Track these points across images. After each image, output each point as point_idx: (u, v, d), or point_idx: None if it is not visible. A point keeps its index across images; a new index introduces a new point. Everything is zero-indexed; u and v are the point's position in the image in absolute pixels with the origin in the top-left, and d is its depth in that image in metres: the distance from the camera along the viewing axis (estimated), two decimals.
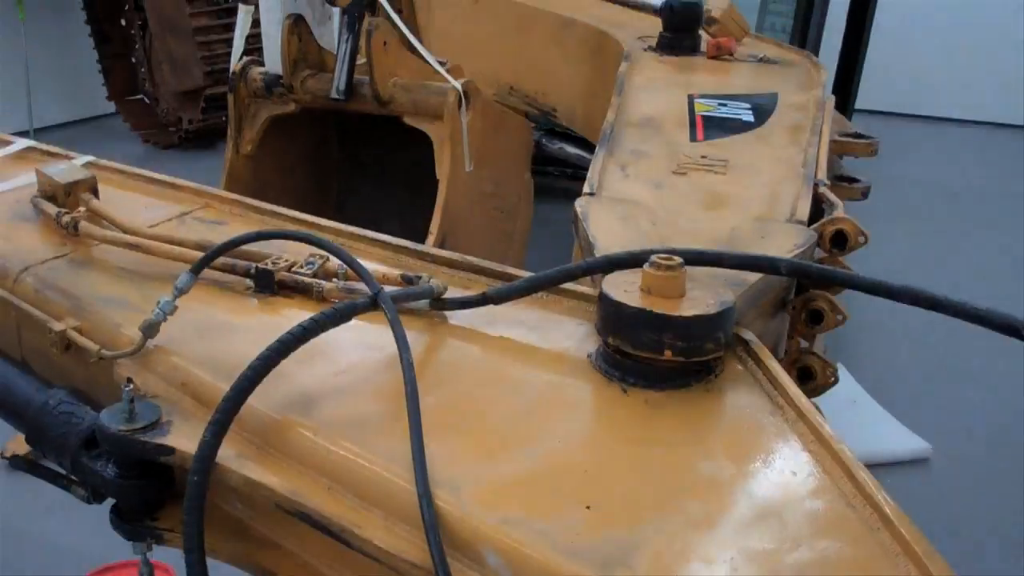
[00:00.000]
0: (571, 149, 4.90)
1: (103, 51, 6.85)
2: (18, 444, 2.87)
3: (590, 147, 4.54)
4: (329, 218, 4.19)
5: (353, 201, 4.18)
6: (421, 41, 3.64)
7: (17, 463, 1.84)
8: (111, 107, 7.02)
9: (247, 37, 3.75)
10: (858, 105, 6.07)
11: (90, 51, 6.89)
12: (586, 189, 2.01)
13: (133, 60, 6.94)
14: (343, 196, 4.20)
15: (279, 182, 3.88)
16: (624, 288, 1.42)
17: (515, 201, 4.01)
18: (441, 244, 3.43)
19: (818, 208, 2.09)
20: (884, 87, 7.44)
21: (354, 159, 4.15)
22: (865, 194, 2.87)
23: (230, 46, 6.29)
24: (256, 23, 3.68)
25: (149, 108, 6.96)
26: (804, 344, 1.95)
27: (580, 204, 1.91)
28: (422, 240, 3.41)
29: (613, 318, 1.40)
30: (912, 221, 5.93)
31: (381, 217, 4.07)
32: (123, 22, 6.89)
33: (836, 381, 1.91)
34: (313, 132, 3.98)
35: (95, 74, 6.90)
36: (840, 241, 1.86)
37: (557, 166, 5.30)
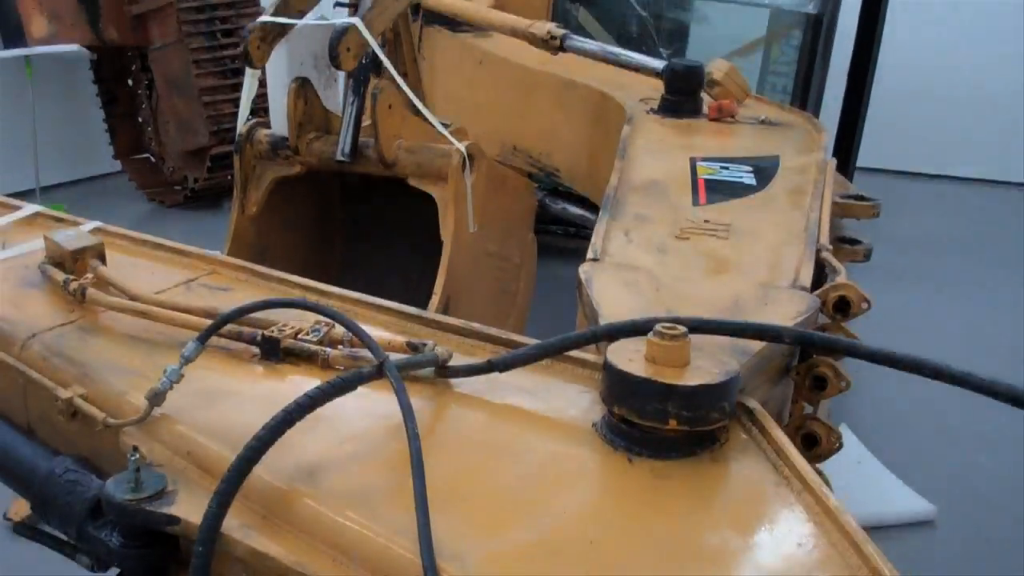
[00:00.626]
0: (574, 209, 4.93)
1: (110, 111, 6.92)
2: (21, 506, 2.87)
3: (593, 207, 4.58)
4: (333, 277, 4.20)
5: (357, 261, 4.20)
6: (425, 102, 3.68)
7: (20, 530, 1.84)
8: (117, 166, 7.07)
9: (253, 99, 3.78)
10: (859, 163, 6.11)
11: (96, 110, 6.96)
12: (590, 255, 2.03)
13: (139, 119, 7.01)
14: (347, 255, 4.22)
15: (283, 242, 3.90)
16: (629, 357, 1.43)
17: (518, 261, 4.03)
18: (445, 304, 3.44)
19: (821, 272, 2.10)
20: (885, 145, 7.48)
21: (358, 219, 4.17)
22: (867, 256, 2.89)
23: (236, 106, 6.38)
24: (262, 84, 3.72)
25: (155, 167, 7.02)
26: (808, 409, 1.96)
27: (584, 270, 1.92)
28: (426, 300, 3.43)
29: (618, 387, 1.41)
30: (914, 279, 5.94)
31: (385, 276, 4.08)
32: (130, 82, 6.97)
33: (840, 447, 1.91)
34: (318, 192, 4.01)
35: (101, 133, 6.97)
36: (843, 307, 1.87)
37: (560, 225, 5.33)
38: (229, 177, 6.53)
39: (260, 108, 3.66)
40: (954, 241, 6.79)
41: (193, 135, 6.55)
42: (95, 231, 2.16)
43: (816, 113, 4.61)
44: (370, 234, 4.18)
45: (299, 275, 4.01)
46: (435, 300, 3.41)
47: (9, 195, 6.35)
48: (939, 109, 7.85)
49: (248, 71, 3.52)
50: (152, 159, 7.05)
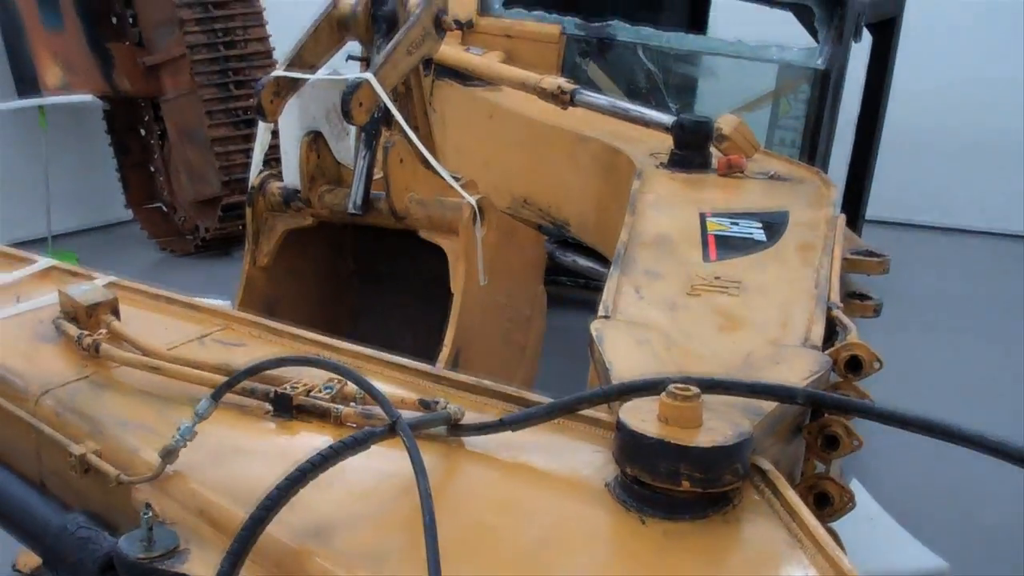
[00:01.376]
0: (584, 262, 4.94)
1: (122, 160, 6.97)
2: (29, 558, 2.86)
3: (603, 259, 4.60)
4: (343, 328, 4.22)
5: (367, 312, 4.21)
6: (436, 154, 3.71)
7: None
8: (129, 214, 7.12)
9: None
10: (868, 215, 6.12)
11: (109, 159, 7.01)
12: (601, 311, 2.03)
13: (152, 169, 7.06)
14: (358, 306, 4.23)
15: (294, 293, 3.92)
16: (641, 417, 1.43)
17: (528, 313, 4.04)
18: (455, 356, 3.45)
19: (832, 329, 2.10)
20: (894, 197, 7.50)
21: (369, 270, 4.19)
22: (877, 311, 2.89)
23: (247, 156, 6.43)
24: (275, 136, 3.74)
25: (166, 216, 7.06)
26: (820, 467, 1.95)
27: (595, 327, 1.93)
28: (436, 351, 3.44)
29: (631, 448, 1.41)
30: (923, 332, 5.94)
31: (395, 328, 4.09)
32: (143, 132, 7.02)
33: (853, 506, 1.91)
34: (329, 244, 4.03)
35: (114, 182, 7.02)
36: (855, 366, 1.86)
37: (570, 276, 5.34)
38: (240, 226, 6.57)
39: (272, 158, 3.69)
40: (963, 293, 6.78)
41: (205, 184, 6.60)
42: (109, 285, 2.17)
43: (825, 167, 4.63)
44: (381, 285, 4.20)
45: (310, 326, 4.01)
46: (445, 352, 3.41)
47: (21, 243, 6.42)
48: (945, 161, 7.88)
49: (261, 124, 3.55)
50: (164, 208, 7.09)
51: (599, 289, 4.57)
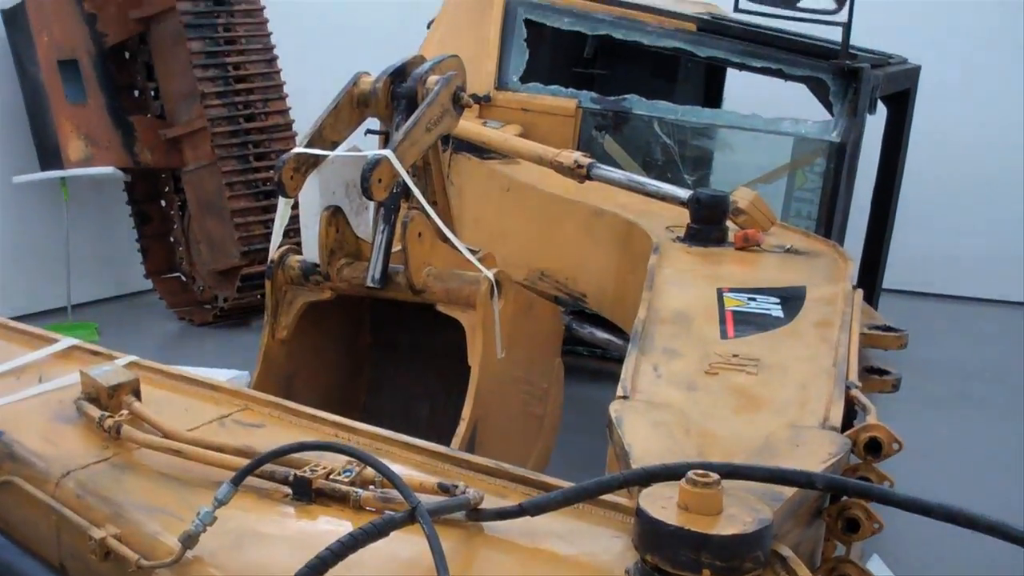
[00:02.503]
0: (601, 334, 4.95)
1: (142, 230, 7.03)
2: None
3: (620, 332, 4.61)
4: (360, 401, 4.22)
5: (385, 384, 4.21)
6: (454, 227, 3.73)
7: None
8: (148, 284, 7.16)
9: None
10: (885, 284, 6.12)
11: (129, 230, 7.08)
12: (620, 392, 2.04)
13: (171, 239, 7.12)
14: (375, 378, 4.23)
15: (312, 365, 3.92)
16: (662, 504, 1.43)
17: (546, 386, 4.03)
18: (473, 430, 3.45)
19: (851, 409, 2.10)
20: (911, 266, 7.50)
21: (386, 343, 4.20)
22: (896, 387, 2.89)
23: (266, 227, 6.49)
24: (294, 207, 3.78)
25: (185, 286, 7.10)
26: (840, 550, 1.94)
27: (614, 409, 1.93)
28: (453, 424, 3.43)
29: (651, 535, 1.41)
30: (945, 405, 5.89)
31: (412, 400, 4.10)
32: (163, 202, 7.10)
33: None
34: (347, 316, 4.04)
35: (133, 252, 7.07)
36: (874, 448, 1.86)
37: (587, 347, 5.34)
38: (258, 296, 6.63)
39: (291, 228, 3.72)
40: (983, 365, 6.73)
41: (224, 255, 6.64)
42: (130, 365, 2.19)
43: (841, 239, 4.65)
44: (398, 357, 4.20)
45: (327, 398, 4.04)
46: (463, 427, 3.41)
47: (42, 312, 6.46)
48: (961, 231, 7.87)
49: (281, 200, 3.58)
50: (183, 278, 7.14)
51: (616, 360, 4.59)
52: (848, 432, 1.88)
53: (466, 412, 3.44)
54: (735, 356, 2.29)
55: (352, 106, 3.54)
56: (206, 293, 6.96)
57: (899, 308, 6.63)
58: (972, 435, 5.63)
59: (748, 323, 2.57)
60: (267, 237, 6.43)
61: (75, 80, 6.49)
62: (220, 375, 5.49)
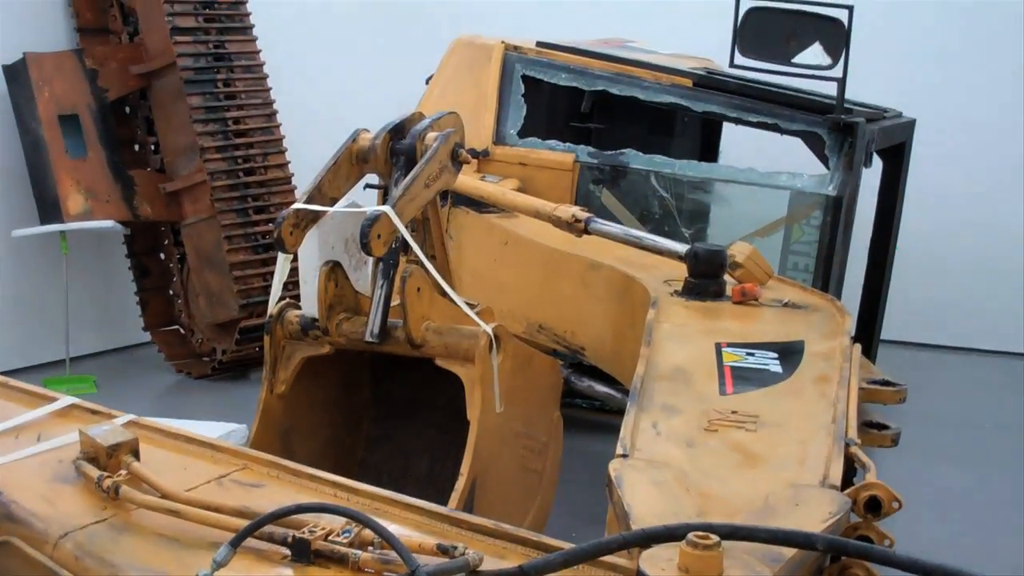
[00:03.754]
0: (600, 387, 4.94)
1: (141, 283, 7.04)
2: None
3: (619, 385, 4.60)
4: (358, 455, 4.20)
5: (383, 438, 4.21)
6: (452, 281, 3.75)
7: None
8: (146, 337, 7.16)
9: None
10: (883, 335, 6.12)
11: (128, 282, 7.09)
12: (619, 450, 2.04)
13: (170, 292, 7.13)
14: (373, 432, 4.23)
15: (310, 421, 3.92)
16: (662, 566, 1.43)
17: (545, 440, 4.02)
18: (472, 486, 3.43)
19: (850, 466, 2.10)
20: (908, 317, 7.51)
21: (385, 397, 4.19)
22: (895, 441, 2.88)
23: (265, 279, 6.50)
24: (293, 259, 3.79)
25: (184, 339, 7.10)
26: None
27: (614, 468, 1.93)
28: (452, 478, 3.42)
29: None
30: (945, 458, 5.86)
31: (411, 455, 4.09)
32: (162, 255, 7.11)
33: None
34: (345, 370, 4.04)
35: (132, 305, 7.08)
36: (874, 507, 1.86)
37: (585, 399, 5.33)
38: (256, 349, 6.62)
39: (291, 281, 3.73)
40: (984, 417, 6.71)
41: (223, 308, 6.64)
42: (129, 424, 2.19)
43: (838, 292, 4.66)
44: (396, 411, 4.20)
45: (325, 454, 4.02)
46: (462, 482, 3.40)
47: (41, 365, 6.45)
48: (959, 280, 7.88)
49: (280, 255, 3.59)
50: (181, 331, 7.14)
51: (614, 412, 4.57)
52: (848, 491, 1.88)
53: (465, 467, 3.42)
54: (734, 412, 2.30)
55: (351, 162, 3.56)
56: (204, 346, 6.95)
57: (897, 359, 6.63)
58: (973, 488, 5.61)
59: (747, 379, 2.57)
60: (265, 290, 6.46)
61: (76, 135, 6.53)
62: (218, 428, 5.50)
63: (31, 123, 6.44)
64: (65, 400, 2.34)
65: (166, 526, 1.80)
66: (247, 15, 6.69)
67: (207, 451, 2.14)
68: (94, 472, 1.92)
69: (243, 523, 1.64)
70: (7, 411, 2.31)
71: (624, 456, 2.01)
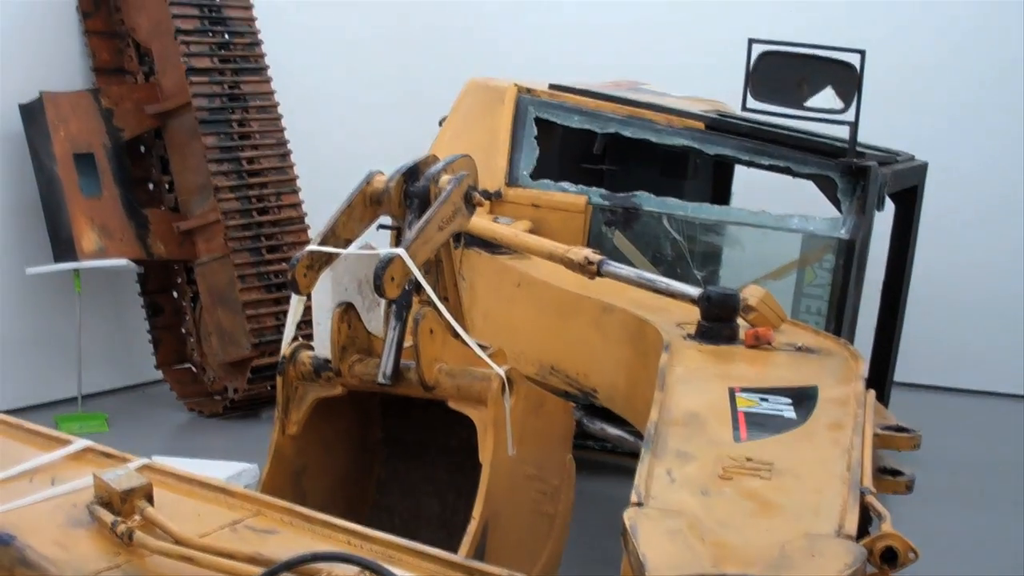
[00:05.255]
0: (612, 430, 4.92)
1: (154, 322, 7.06)
2: None
3: (631, 427, 4.59)
4: (370, 496, 4.19)
5: (395, 479, 4.20)
6: (465, 322, 3.75)
7: None
8: (158, 375, 7.17)
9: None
10: (896, 378, 6.10)
11: (141, 321, 7.11)
12: (633, 498, 2.03)
13: (183, 330, 7.15)
14: (385, 474, 4.22)
15: (323, 462, 3.92)
16: None
17: (557, 483, 4.01)
18: (484, 529, 3.42)
19: (865, 515, 2.09)
20: (922, 359, 7.48)
21: (397, 438, 4.19)
22: (910, 487, 2.87)
23: (277, 319, 6.52)
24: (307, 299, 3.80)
25: (196, 377, 7.10)
26: None
27: (628, 517, 1.92)
28: (464, 521, 3.41)
29: None
30: (961, 502, 5.82)
31: (422, 497, 4.08)
32: (175, 294, 7.14)
33: None
34: (357, 411, 4.05)
35: (145, 343, 7.09)
36: (890, 557, 1.85)
37: (597, 441, 5.31)
38: (268, 387, 6.63)
39: (303, 321, 3.74)
40: (999, 460, 6.66)
41: (235, 347, 6.66)
42: (143, 468, 2.19)
43: (851, 335, 4.65)
44: (408, 453, 4.19)
45: (337, 494, 4.03)
46: (474, 525, 3.39)
47: (53, 403, 6.47)
48: (974, 323, 7.86)
49: (294, 297, 3.61)
50: (194, 369, 7.15)
51: (626, 454, 4.55)
52: (864, 541, 1.87)
53: (477, 511, 3.42)
54: (749, 460, 2.29)
55: (365, 204, 3.58)
56: (216, 384, 6.96)
57: (911, 402, 6.61)
58: (989, 532, 5.57)
59: (761, 425, 2.57)
60: (278, 329, 6.48)
61: (91, 173, 6.58)
62: (229, 468, 5.51)
63: (46, 161, 6.48)
64: (79, 443, 2.35)
65: (180, 572, 1.80)
66: (262, 56, 6.75)
67: (221, 496, 2.14)
68: (108, 517, 1.92)
69: (257, 571, 1.64)
70: (21, 453, 2.32)
71: (639, 505, 2.01)
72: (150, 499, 1.99)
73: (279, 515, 2.05)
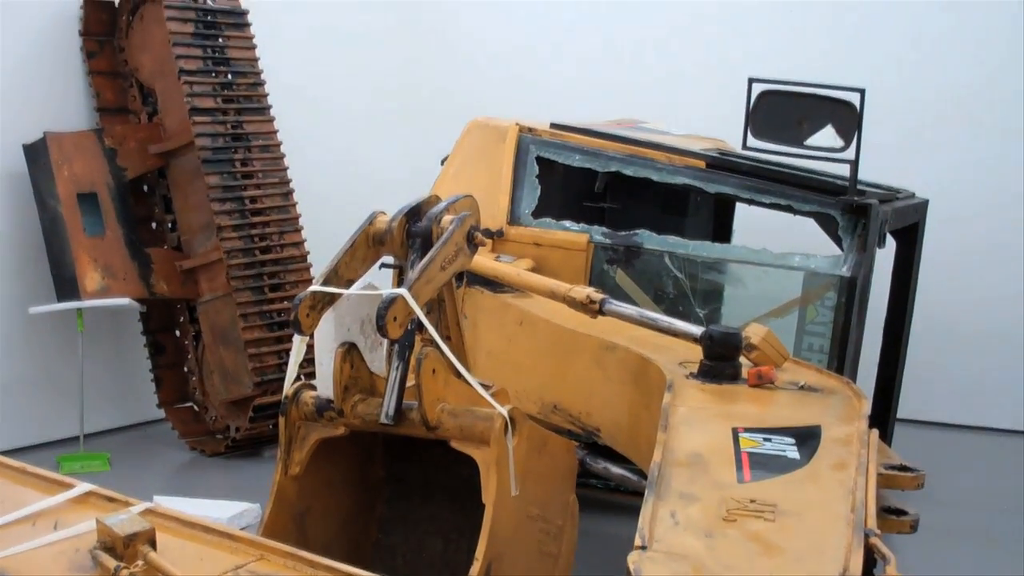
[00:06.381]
0: (615, 469, 4.91)
1: (156, 360, 7.05)
2: None
3: (634, 466, 4.58)
4: (373, 536, 4.18)
5: (398, 519, 4.19)
6: (467, 361, 3.75)
7: None
8: (160, 413, 7.16)
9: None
10: (899, 414, 6.08)
11: (142, 360, 7.11)
12: (638, 541, 2.03)
13: (185, 369, 7.15)
14: (388, 514, 4.21)
15: (325, 502, 3.91)
16: None
17: (560, 523, 3.99)
18: (487, 569, 3.41)
19: (869, 556, 2.08)
20: (925, 396, 7.47)
21: (399, 477, 4.18)
22: (914, 527, 2.87)
23: (279, 357, 6.52)
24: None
25: (198, 416, 7.09)
26: None
27: (633, 561, 1.92)
28: (467, 560, 3.40)
29: None
30: (966, 540, 5.79)
31: (425, 537, 4.07)
32: (177, 333, 7.14)
33: None
34: (360, 451, 4.04)
35: (147, 382, 7.09)
36: None
37: (600, 480, 5.30)
38: (270, 426, 6.62)
39: (306, 359, 3.74)
40: (1003, 498, 6.63)
41: (237, 385, 6.66)
42: (145, 513, 2.18)
43: (854, 373, 4.65)
44: (411, 492, 4.19)
45: (339, 534, 4.01)
46: (477, 567, 3.37)
47: (55, 442, 6.45)
48: (976, 359, 7.84)
49: (296, 337, 3.61)
50: (195, 408, 7.14)
51: (629, 493, 4.53)
52: None
53: (480, 551, 3.40)
54: (752, 501, 2.29)
55: (368, 244, 3.60)
56: (218, 423, 6.95)
57: (914, 438, 6.58)
58: (995, 572, 5.53)
59: (764, 465, 2.57)
60: (280, 367, 6.48)
61: (94, 213, 6.60)
62: (231, 508, 5.50)
63: (50, 201, 6.51)
64: (82, 487, 2.34)
65: None
66: (264, 96, 6.79)
67: (224, 540, 2.14)
68: (111, 562, 1.92)
69: None
70: (24, 497, 2.31)
71: (643, 548, 2.01)
72: (153, 544, 1.99)
73: (282, 560, 2.04)
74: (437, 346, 3.50)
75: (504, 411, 3.47)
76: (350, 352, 3.61)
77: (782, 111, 4.73)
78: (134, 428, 7.36)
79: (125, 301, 6.55)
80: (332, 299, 3.52)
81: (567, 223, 5.14)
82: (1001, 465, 7.43)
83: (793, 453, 2.68)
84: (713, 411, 3.11)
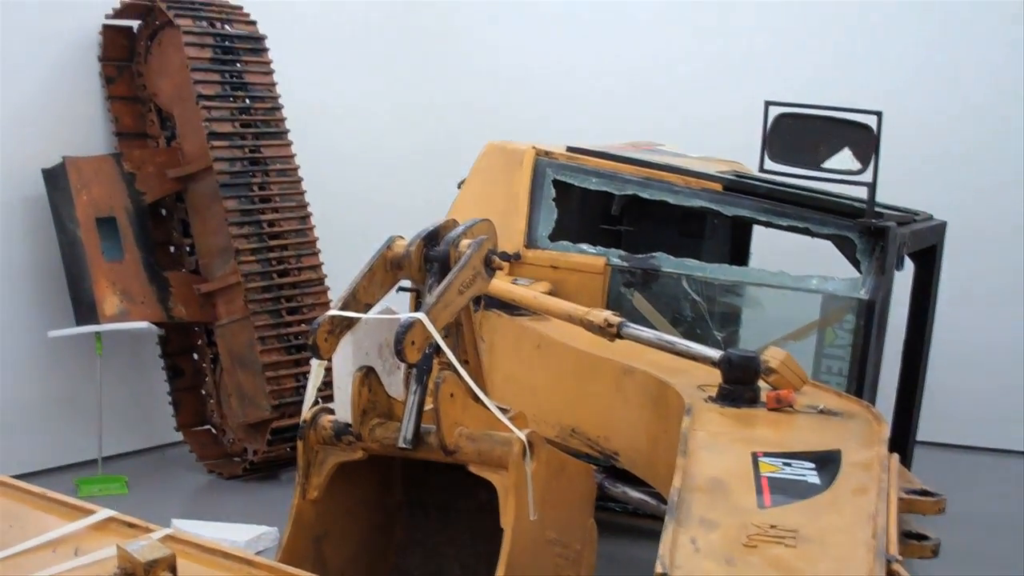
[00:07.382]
0: (634, 493, 4.89)
1: (174, 384, 7.08)
2: None
3: (653, 490, 4.56)
4: (391, 560, 4.17)
5: (416, 544, 4.18)
6: (485, 385, 3.75)
7: None
8: (178, 436, 7.17)
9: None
10: (918, 436, 6.04)
11: (161, 383, 7.13)
12: (658, 568, 2.02)
13: (203, 392, 7.16)
14: (406, 538, 4.20)
15: (343, 526, 3.91)
16: None
17: (579, 547, 3.98)
18: None
19: None
20: (944, 418, 7.42)
21: (417, 501, 4.18)
22: (935, 552, 2.85)
23: (297, 380, 6.54)
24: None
25: (215, 439, 7.10)
26: None
27: None
28: None
29: None
30: (984, 568, 5.74)
31: (443, 561, 4.06)
32: (195, 356, 7.16)
33: None
34: (378, 475, 4.04)
35: (165, 405, 7.11)
36: None
37: (619, 504, 5.28)
38: (288, 449, 6.62)
39: (324, 382, 3.74)
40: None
41: (255, 408, 6.67)
42: (165, 539, 2.19)
43: (873, 396, 4.63)
44: (429, 516, 4.18)
45: (358, 558, 4.01)
46: None
47: (73, 464, 6.46)
48: (996, 381, 7.79)
49: (314, 362, 3.62)
50: (213, 431, 7.15)
51: (648, 517, 4.51)
52: None
53: None
54: (773, 527, 2.28)
55: (385, 269, 3.61)
56: (236, 446, 6.96)
57: (934, 461, 6.54)
58: None
59: (785, 491, 2.55)
60: (298, 390, 6.49)
61: (113, 237, 6.63)
62: (249, 531, 5.51)
63: (69, 225, 6.55)
64: (103, 512, 2.35)
65: None
66: (282, 120, 6.82)
67: (244, 567, 2.14)
68: None
69: None
70: (45, 523, 2.32)
71: (664, 575, 2.00)
72: (173, 570, 1.99)
73: None
74: (455, 370, 3.51)
75: (522, 435, 3.47)
76: (368, 376, 3.61)
77: (799, 134, 4.73)
78: (152, 451, 7.38)
79: (144, 325, 6.57)
80: (350, 323, 3.53)
81: (584, 246, 5.14)
82: (1022, 488, 7.37)
83: (813, 478, 2.66)
84: (732, 435, 3.10)
